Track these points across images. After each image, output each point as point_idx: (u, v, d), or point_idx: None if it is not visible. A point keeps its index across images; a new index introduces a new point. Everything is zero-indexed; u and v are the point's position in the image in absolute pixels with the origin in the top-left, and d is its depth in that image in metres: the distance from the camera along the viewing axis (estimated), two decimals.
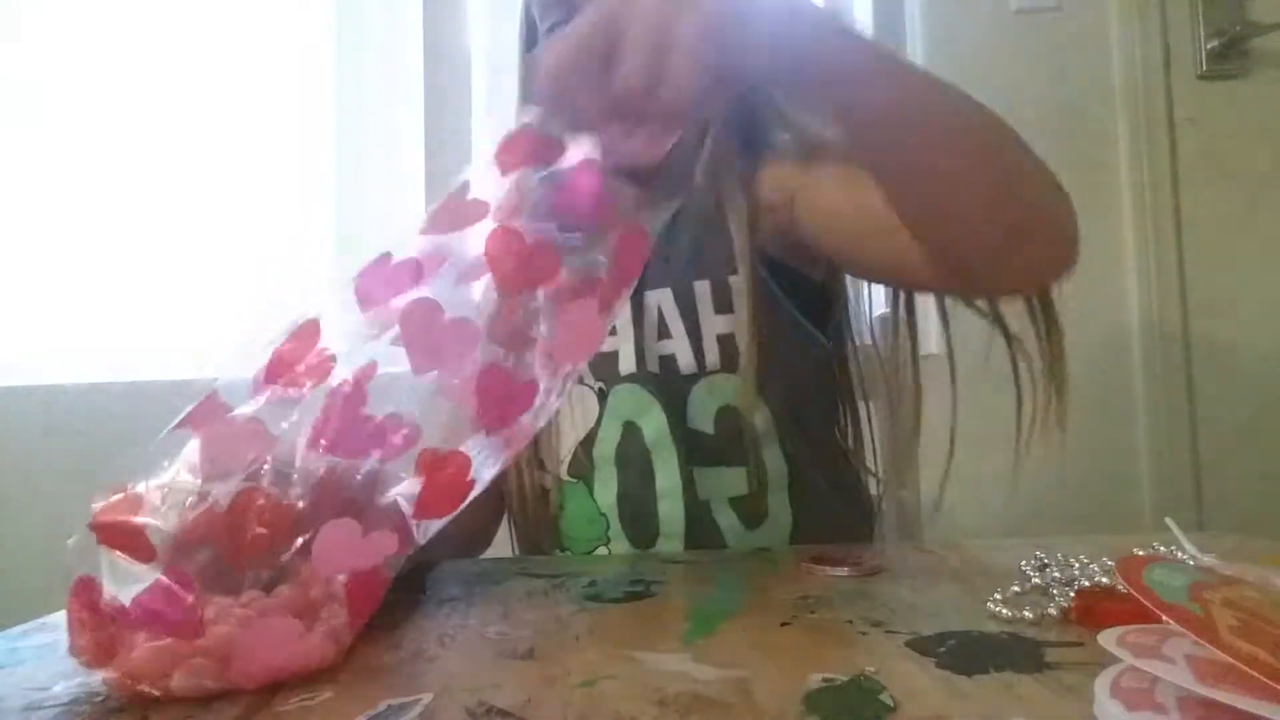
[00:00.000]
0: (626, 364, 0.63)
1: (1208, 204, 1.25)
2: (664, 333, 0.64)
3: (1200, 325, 1.25)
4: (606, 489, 0.64)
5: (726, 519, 0.62)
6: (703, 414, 0.62)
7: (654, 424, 0.62)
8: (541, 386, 0.39)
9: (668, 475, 0.62)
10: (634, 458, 0.63)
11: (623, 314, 0.64)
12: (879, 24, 1.32)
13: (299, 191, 1.24)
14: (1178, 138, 1.26)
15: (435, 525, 0.36)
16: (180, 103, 1.23)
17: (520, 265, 0.39)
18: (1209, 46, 1.26)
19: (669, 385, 0.62)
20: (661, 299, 0.64)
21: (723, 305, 0.63)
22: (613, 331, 0.64)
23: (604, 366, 0.64)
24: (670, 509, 0.62)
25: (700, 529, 0.62)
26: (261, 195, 1.23)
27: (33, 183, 1.20)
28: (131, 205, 1.20)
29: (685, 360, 0.62)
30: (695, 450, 0.62)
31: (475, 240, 0.40)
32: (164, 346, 1.16)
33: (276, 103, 1.25)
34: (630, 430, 0.63)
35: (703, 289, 0.63)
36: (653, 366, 0.63)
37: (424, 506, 0.36)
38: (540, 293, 0.40)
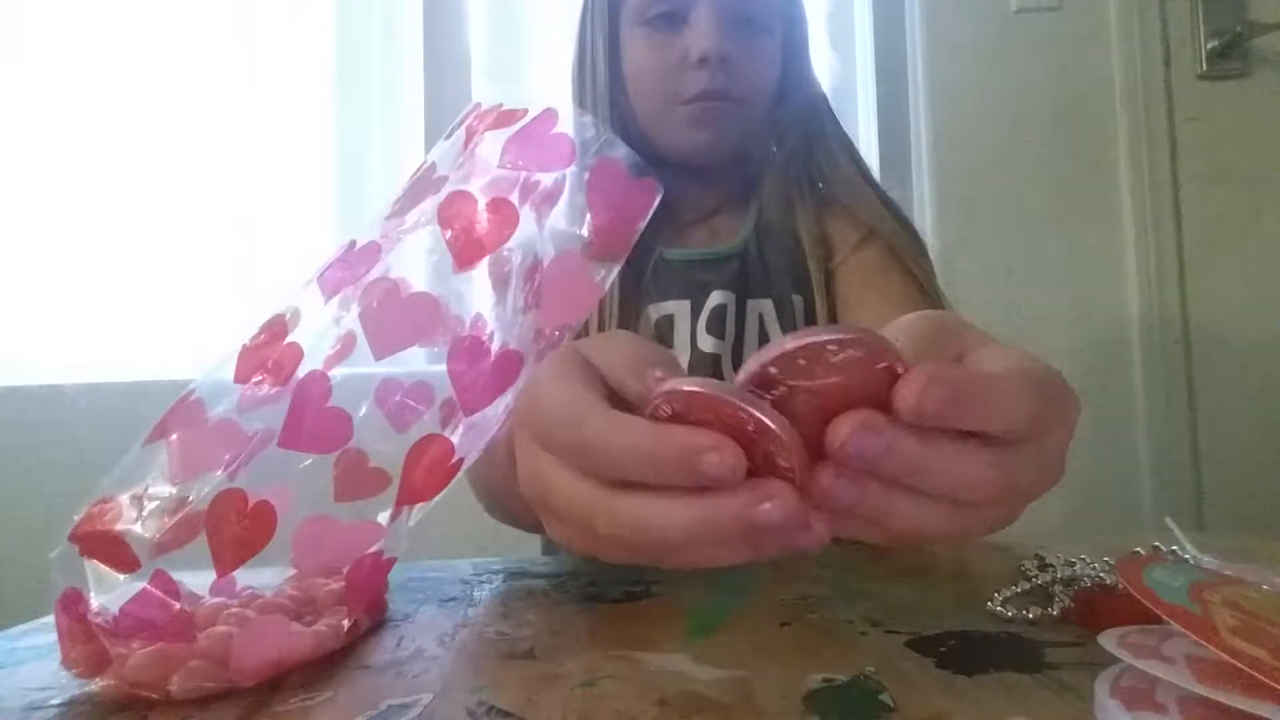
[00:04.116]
0: (728, 370, 0.65)
1: (1208, 204, 1.26)
2: (764, 342, 0.65)
3: (1200, 324, 1.25)
4: None
5: None
6: None
7: None
8: (529, 361, 0.37)
9: None
10: None
11: (729, 320, 0.66)
12: (879, 24, 1.32)
13: (299, 191, 1.24)
14: (1178, 137, 1.26)
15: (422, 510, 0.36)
16: (181, 103, 1.23)
17: (472, 227, 0.37)
18: (1209, 46, 1.26)
19: None
20: (763, 309, 0.67)
21: (811, 322, 0.67)
22: (720, 336, 0.66)
23: (703, 371, 0.65)
24: None
25: None
26: (262, 195, 1.23)
27: (33, 182, 1.20)
28: (132, 205, 1.20)
29: None
30: None
31: (434, 214, 0.38)
32: (164, 346, 1.16)
33: (277, 103, 1.25)
34: None
35: (799, 303, 0.67)
36: None
37: (408, 492, 0.35)
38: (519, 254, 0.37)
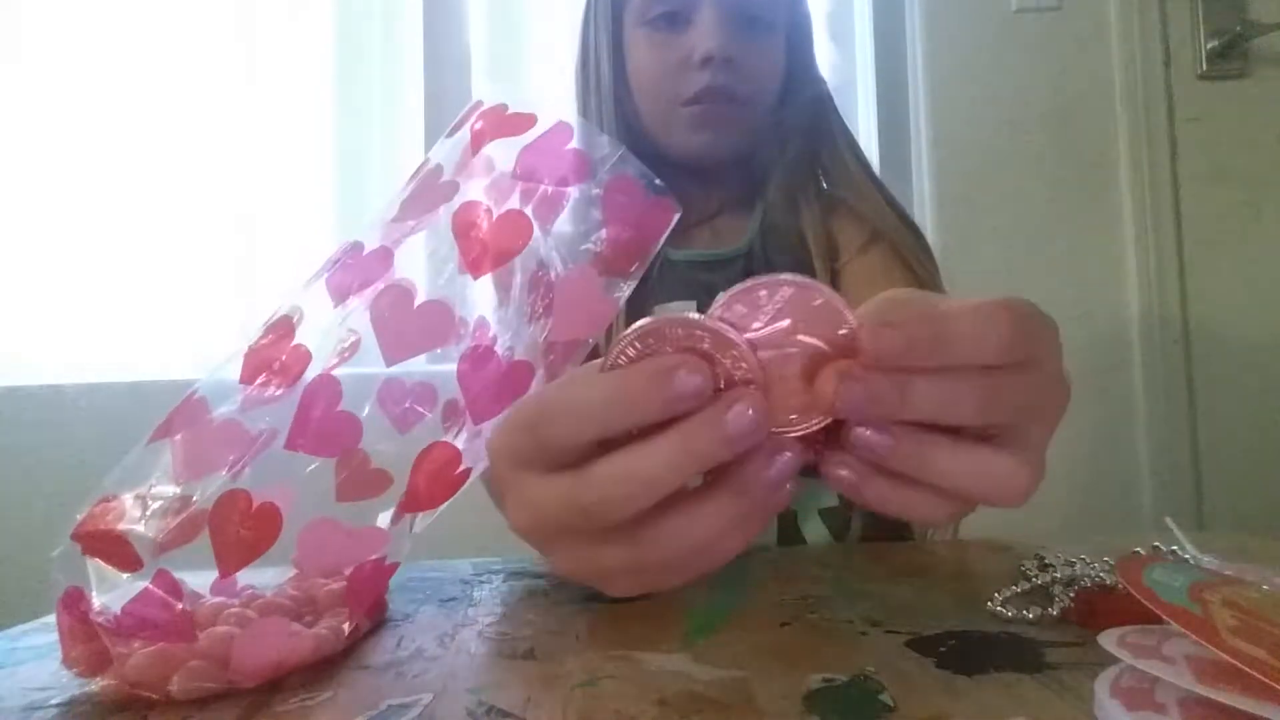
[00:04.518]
0: None
1: (1208, 204, 1.26)
2: None
3: (1200, 324, 1.25)
4: None
5: (815, 530, 0.62)
6: None
7: None
8: (539, 371, 0.37)
9: None
10: None
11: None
12: (879, 24, 1.32)
13: (299, 191, 1.24)
14: (1178, 137, 1.26)
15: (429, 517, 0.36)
16: (181, 103, 1.23)
17: (487, 236, 0.37)
18: (1209, 46, 1.26)
19: None
20: None
21: None
22: None
23: None
24: None
25: (786, 540, 0.62)
26: (262, 195, 1.23)
27: (33, 182, 1.20)
28: (132, 205, 1.20)
29: None
30: None
31: (447, 221, 0.39)
32: (164, 346, 1.16)
33: (277, 103, 1.25)
34: None
35: None
36: None
37: (412, 499, 0.35)
38: (519, 268, 0.37)
